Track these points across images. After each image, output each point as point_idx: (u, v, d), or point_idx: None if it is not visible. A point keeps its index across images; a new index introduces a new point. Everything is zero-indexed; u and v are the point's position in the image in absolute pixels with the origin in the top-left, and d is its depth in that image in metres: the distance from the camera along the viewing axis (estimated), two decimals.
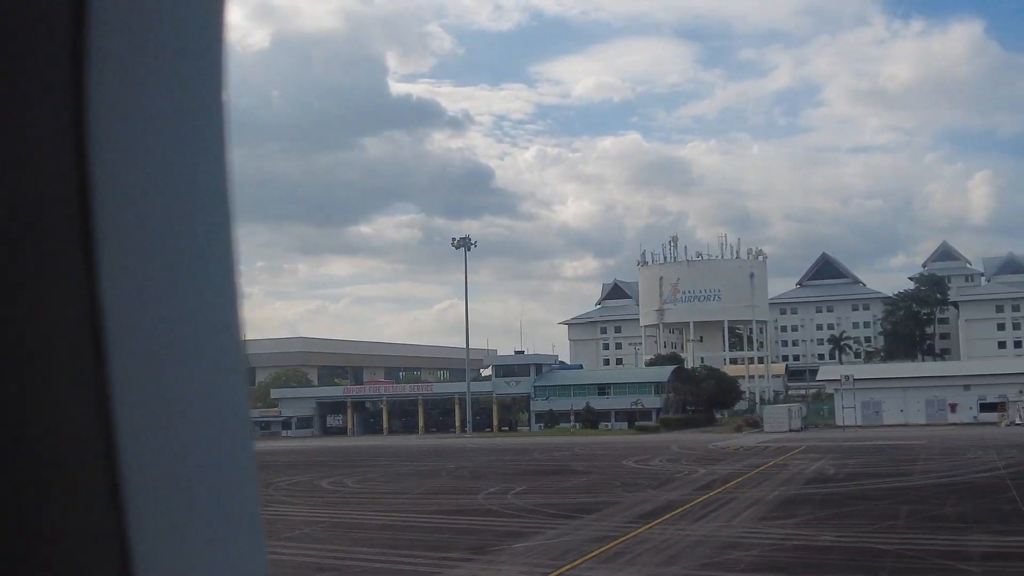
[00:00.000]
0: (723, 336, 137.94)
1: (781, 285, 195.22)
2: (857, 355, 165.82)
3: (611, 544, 26.40)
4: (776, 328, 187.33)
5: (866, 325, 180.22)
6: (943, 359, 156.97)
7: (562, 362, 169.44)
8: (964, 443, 60.94)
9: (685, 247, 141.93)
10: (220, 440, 1.29)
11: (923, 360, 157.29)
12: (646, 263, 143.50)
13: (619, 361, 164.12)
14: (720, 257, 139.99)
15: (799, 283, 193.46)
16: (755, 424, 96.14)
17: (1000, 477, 39.37)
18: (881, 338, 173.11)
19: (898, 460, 49.85)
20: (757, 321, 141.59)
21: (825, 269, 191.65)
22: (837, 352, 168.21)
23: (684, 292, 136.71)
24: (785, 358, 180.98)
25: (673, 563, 23.73)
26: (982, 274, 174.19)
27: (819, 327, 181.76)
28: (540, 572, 23.09)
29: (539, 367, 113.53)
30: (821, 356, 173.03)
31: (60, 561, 1.11)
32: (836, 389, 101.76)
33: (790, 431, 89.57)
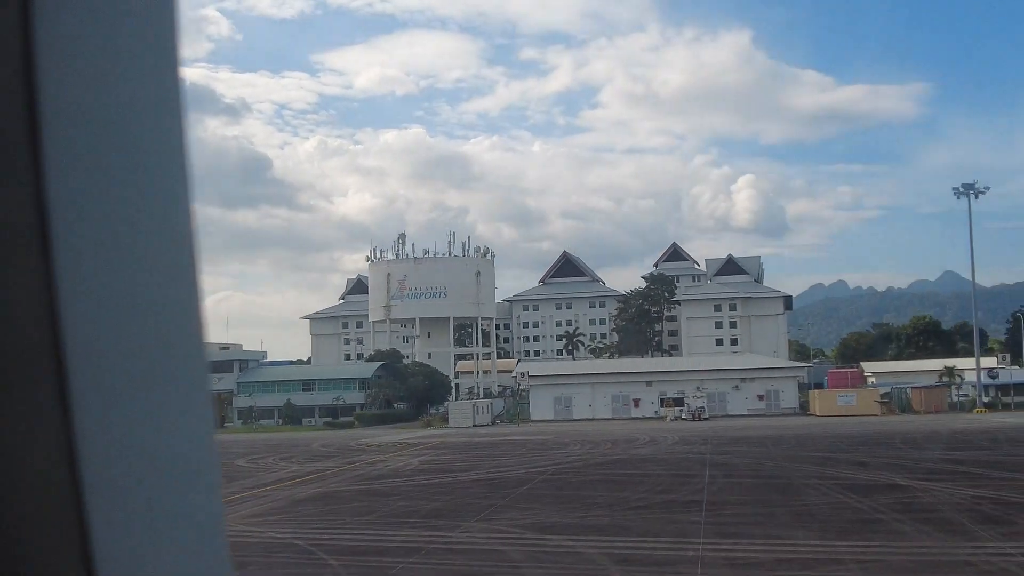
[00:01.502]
0: (450, 332, 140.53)
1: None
2: (591, 351, 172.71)
3: None
4: (519, 324, 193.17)
5: (602, 322, 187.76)
6: (671, 355, 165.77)
7: (310, 358, 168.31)
8: (583, 438, 64.61)
9: (413, 244, 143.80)
10: (181, 436, 1.27)
11: (652, 356, 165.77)
12: (376, 259, 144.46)
13: (360, 356, 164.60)
14: (448, 255, 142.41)
15: (541, 281, 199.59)
16: (447, 419, 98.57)
17: (541, 473, 42.11)
18: (616, 334, 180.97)
19: (490, 456, 52.47)
20: (483, 318, 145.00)
21: (566, 268, 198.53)
22: (571, 348, 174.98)
23: (412, 289, 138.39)
24: (527, 353, 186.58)
25: None
26: (706, 274, 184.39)
27: (558, 323, 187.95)
28: None
29: (244, 363, 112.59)
30: (559, 352, 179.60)
31: (23, 558, 1.09)
32: (530, 385, 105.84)
33: (474, 426, 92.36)
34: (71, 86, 1.14)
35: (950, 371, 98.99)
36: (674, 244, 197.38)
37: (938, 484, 33.50)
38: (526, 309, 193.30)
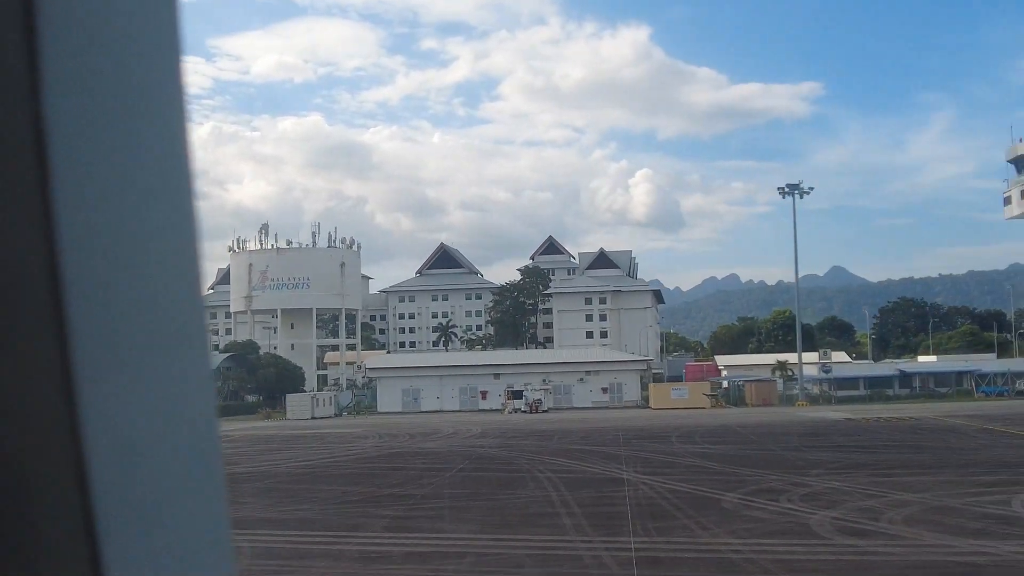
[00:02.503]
0: (312, 323, 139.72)
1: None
2: (464, 343, 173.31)
3: None
4: (395, 315, 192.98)
5: (478, 314, 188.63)
6: (545, 347, 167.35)
7: None
8: (397, 431, 65.13)
9: (276, 234, 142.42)
10: (186, 433, 1.28)
11: (527, 347, 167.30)
12: (238, 249, 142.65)
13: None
14: (312, 246, 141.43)
15: (418, 272, 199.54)
16: None
17: (302, 467, 42.37)
18: (491, 326, 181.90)
19: (280, 449, 52.67)
20: (349, 309, 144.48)
21: (443, 259, 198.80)
22: (445, 340, 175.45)
23: (274, 279, 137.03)
24: (402, 344, 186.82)
25: None
26: (579, 267, 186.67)
27: (434, 315, 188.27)
28: None
29: None
30: (434, 343, 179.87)
31: (31, 555, 1.10)
32: (367, 376, 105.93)
33: (313, 418, 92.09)
34: (75, 83, 1.13)
35: (782, 365, 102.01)
36: (550, 237, 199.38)
37: (656, 479, 34.55)
38: (402, 300, 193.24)
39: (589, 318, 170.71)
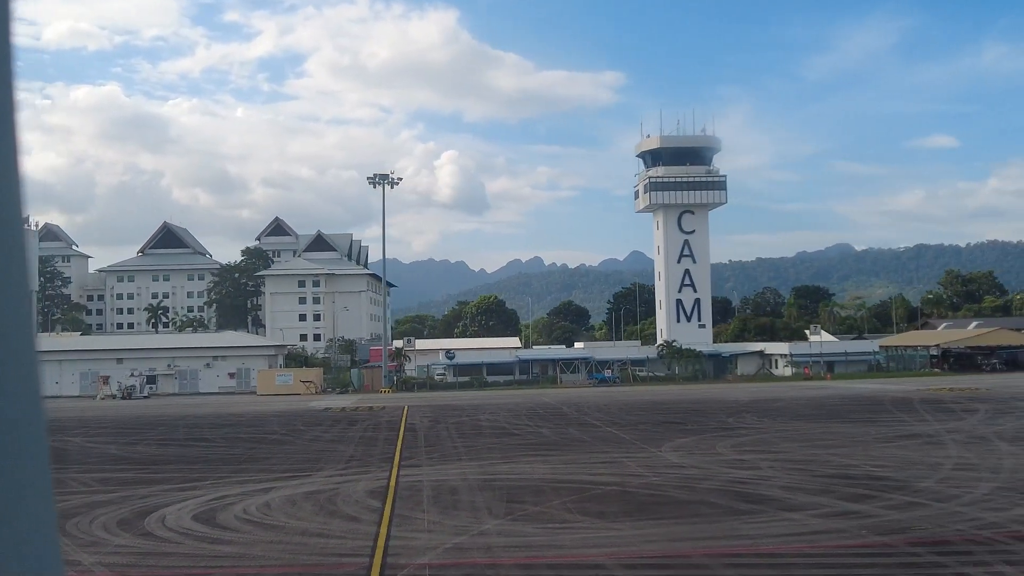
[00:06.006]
0: None
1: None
2: (176, 325, 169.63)
3: None
4: (113, 296, 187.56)
5: (200, 295, 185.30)
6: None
7: None
8: None
9: None
10: (12, 429, 1.24)
11: (250, 330, 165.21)
12: None
13: None
14: None
15: (141, 251, 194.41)
16: None
17: None
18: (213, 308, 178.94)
19: None
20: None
21: (167, 238, 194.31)
22: (155, 322, 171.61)
23: None
24: (120, 326, 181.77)
25: None
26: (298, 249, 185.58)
27: (155, 296, 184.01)
28: None
29: None
30: (153, 325, 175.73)
31: None
32: None
33: None
34: None
35: (399, 352, 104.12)
36: (276, 218, 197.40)
37: None
38: (121, 280, 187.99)
39: (303, 300, 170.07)
